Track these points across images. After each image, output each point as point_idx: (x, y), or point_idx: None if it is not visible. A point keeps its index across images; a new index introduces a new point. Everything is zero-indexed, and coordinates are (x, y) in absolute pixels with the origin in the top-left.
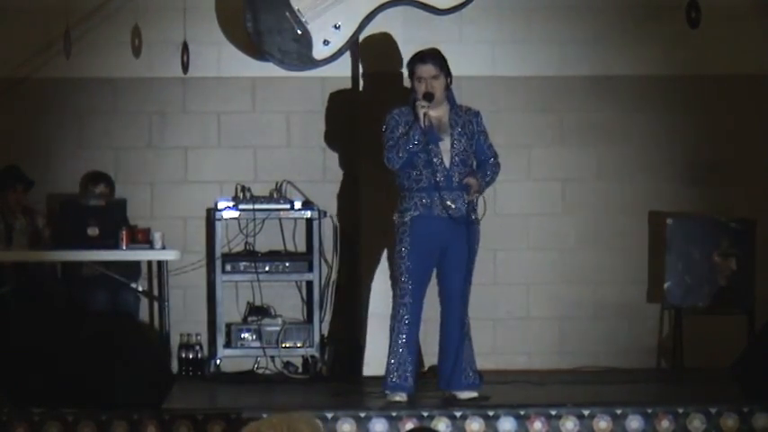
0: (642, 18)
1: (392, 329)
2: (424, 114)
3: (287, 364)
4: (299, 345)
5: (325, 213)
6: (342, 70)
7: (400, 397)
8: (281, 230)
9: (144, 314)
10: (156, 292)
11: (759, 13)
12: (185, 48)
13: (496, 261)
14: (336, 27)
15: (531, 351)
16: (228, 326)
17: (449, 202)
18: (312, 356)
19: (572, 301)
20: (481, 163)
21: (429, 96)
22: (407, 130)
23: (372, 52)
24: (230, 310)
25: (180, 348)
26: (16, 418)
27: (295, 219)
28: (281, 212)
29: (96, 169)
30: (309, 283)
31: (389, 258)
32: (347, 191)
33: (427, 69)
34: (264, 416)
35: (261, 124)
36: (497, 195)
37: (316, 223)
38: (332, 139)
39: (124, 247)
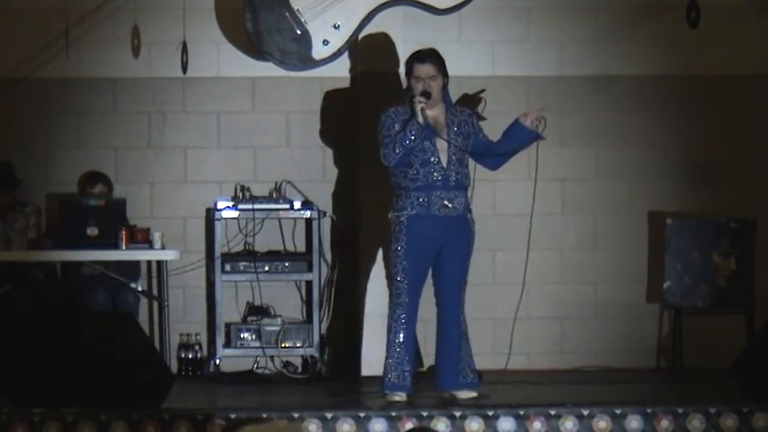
0: (642, 18)
1: (389, 329)
2: (422, 110)
3: (286, 364)
4: (298, 345)
5: (324, 213)
6: (341, 70)
7: (399, 397)
8: (281, 230)
9: (144, 314)
10: (155, 292)
11: (759, 13)
12: (185, 48)
13: (496, 261)
14: (336, 27)
15: (530, 351)
16: (228, 326)
17: (446, 202)
18: (312, 356)
19: (572, 301)
20: (489, 147)
21: (427, 95)
22: (404, 125)
23: (370, 52)
24: (230, 310)
25: (179, 348)
26: (16, 418)
27: (294, 219)
28: (281, 212)
29: (95, 169)
30: (309, 283)
31: (387, 257)
32: (346, 190)
33: (425, 69)
34: (264, 416)
35: (260, 124)
36: (497, 195)
37: (315, 223)
38: (330, 138)
39: (124, 247)
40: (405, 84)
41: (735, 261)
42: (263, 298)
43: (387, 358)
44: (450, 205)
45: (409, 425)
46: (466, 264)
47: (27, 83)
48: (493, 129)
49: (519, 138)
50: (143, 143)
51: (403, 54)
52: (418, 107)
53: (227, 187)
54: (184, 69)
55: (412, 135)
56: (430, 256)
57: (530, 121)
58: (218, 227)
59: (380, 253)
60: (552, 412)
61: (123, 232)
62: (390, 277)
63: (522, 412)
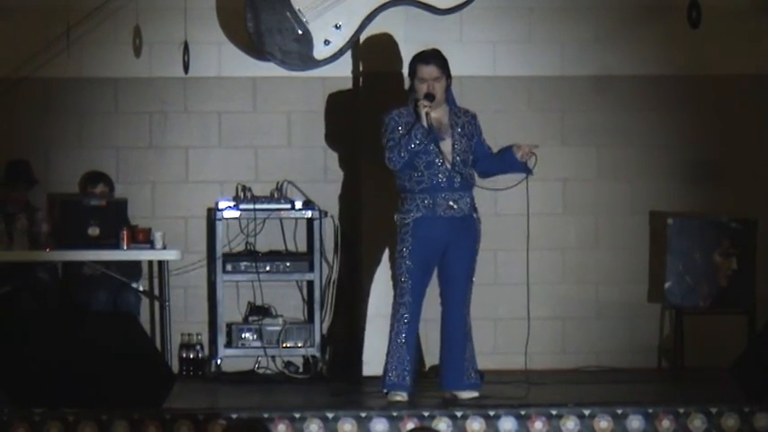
0: (643, 18)
1: (392, 328)
2: (426, 114)
3: (288, 364)
4: (299, 344)
5: (325, 213)
6: (342, 70)
7: (401, 396)
8: (282, 230)
9: (145, 314)
10: (156, 292)
11: (759, 13)
12: (186, 47)
13: (497, 261)
14: (337, 27)
15: (531, 351)
16: (229, 326)
17: (451, 203)
18: (313, 356)
19: (572, 301)
20: (485, 155)
21: (430, 97)
22: (409, 129)
23: (372, 52)
24: (231, 310)
25: (181, 348)
26: (16, 418)
27: (296, 219)
28: (282, 212)
29: (96, 169)
30: (310, 283)
31: (390, 258)
32: (348, 191)
33: (429, 71)
34: (266, 416)
35: (262, 124)
36: (497, 195)
37: (316, 223)
38: (332, 139)
39: (125, 247)
40: (407, 84)
41: (736, 261)
42: (265, 298)
43: (388, 357)
44: (455, 206)
45: (410, 425)
46: (471, 263)
47: (29, 83)
48: (493, 129)
49: (509, 164)
50: (144, 143)
51: (405, 54)
52: (423, 111)
53: (229, 187)
54: (186, 69)
55: (416, 139)
56: (435, 256)
57: (521, 155)
58: (220, 227)
59: (383, 253)
60: (553, 412)
61: (124, 232)
62: (394, 277)
63: (523, 412)
